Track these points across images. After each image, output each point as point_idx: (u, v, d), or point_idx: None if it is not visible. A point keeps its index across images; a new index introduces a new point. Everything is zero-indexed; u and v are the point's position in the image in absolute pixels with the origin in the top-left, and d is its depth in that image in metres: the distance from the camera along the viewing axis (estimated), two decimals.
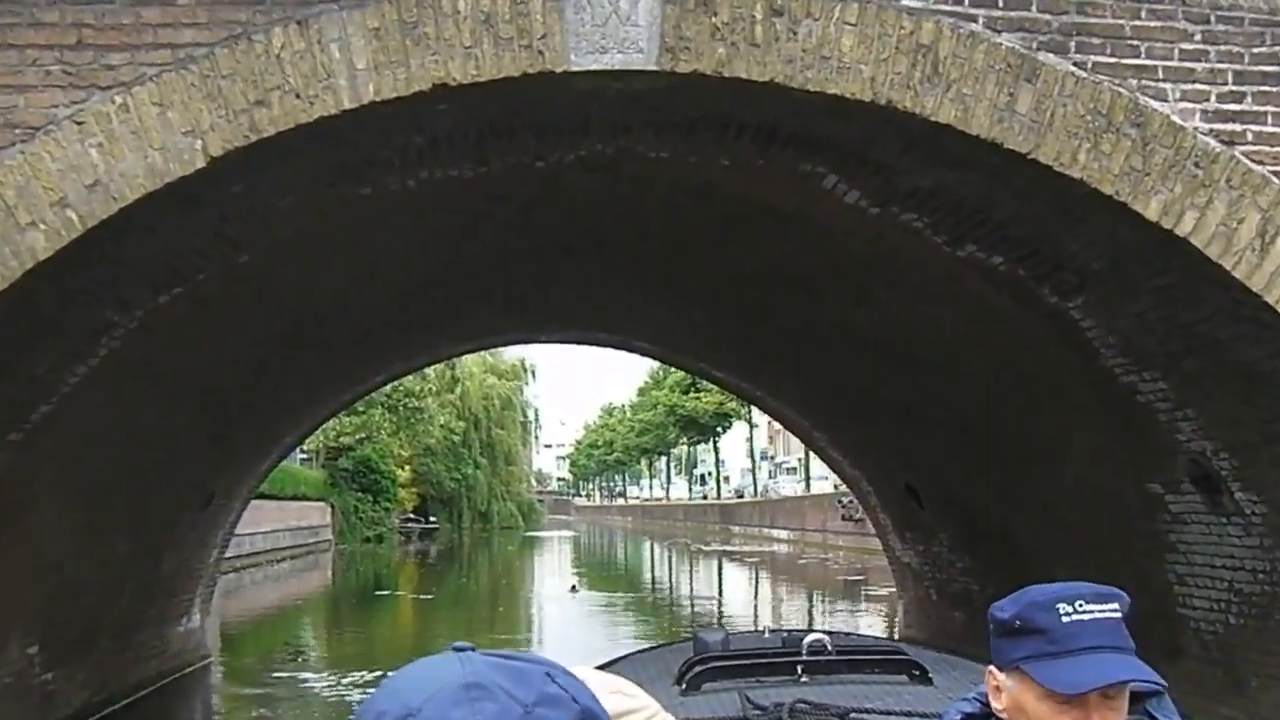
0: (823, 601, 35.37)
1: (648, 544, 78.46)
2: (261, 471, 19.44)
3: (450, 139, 8.50)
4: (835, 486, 75.04)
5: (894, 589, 34.95)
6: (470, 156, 8.98)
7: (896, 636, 18.66)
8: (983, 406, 12.83)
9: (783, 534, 70.09)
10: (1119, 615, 2.28)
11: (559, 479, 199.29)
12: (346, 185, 8.88)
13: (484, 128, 8.46)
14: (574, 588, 35.48)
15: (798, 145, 8.62)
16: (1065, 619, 2.23)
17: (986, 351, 11.49)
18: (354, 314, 14.03)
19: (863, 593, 35.46)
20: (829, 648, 6.18)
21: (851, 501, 58.10)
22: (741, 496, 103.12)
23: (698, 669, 6.08)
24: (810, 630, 6.85)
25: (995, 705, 2.37)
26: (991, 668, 2.37)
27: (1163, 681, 2.35)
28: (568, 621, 29.21)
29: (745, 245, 11.56)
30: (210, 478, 16.59)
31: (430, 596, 38.28)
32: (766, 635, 7.44)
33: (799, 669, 5.98)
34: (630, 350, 19.70)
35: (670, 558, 62.74)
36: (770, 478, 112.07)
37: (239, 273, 9.91)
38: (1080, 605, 2.25)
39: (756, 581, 46.09)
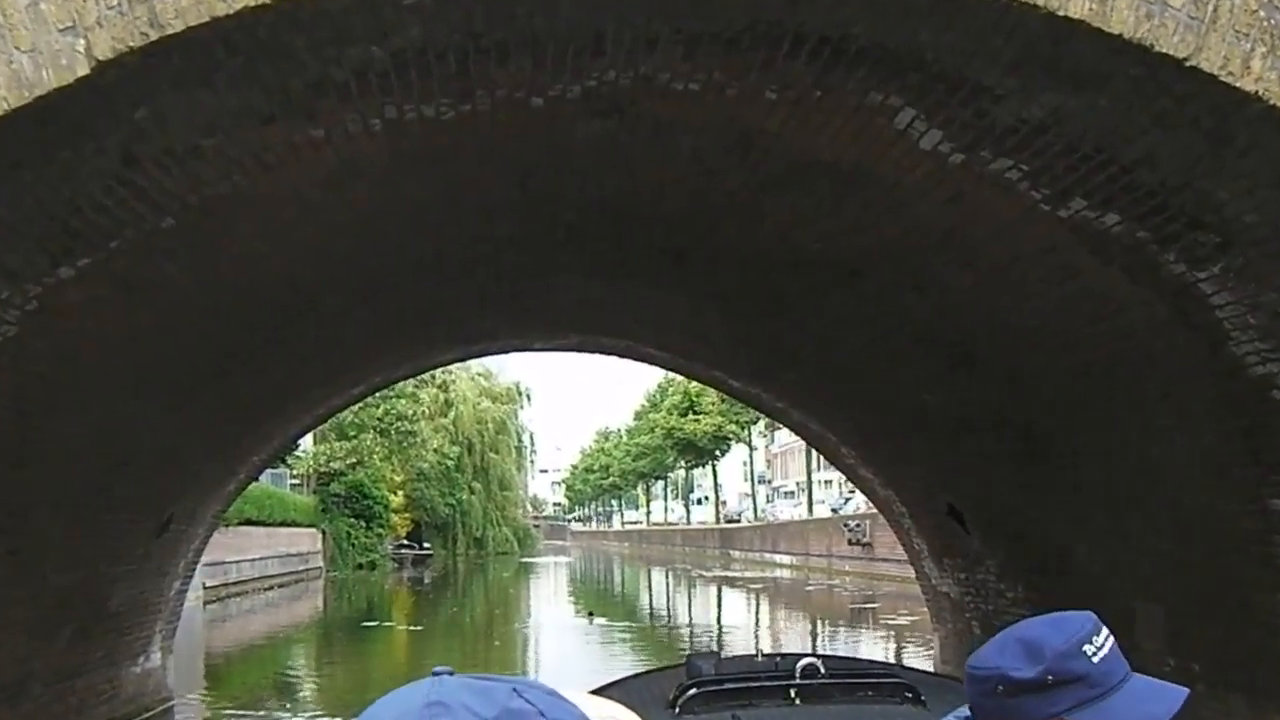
0: (837, 631, 33.69)
1: (646, 570, 77.68)
2: (228, 493, 17.48)
3: (423, 57, 6.58)
4: (834, 511, 74.29)
5: (911, 617, 33.57)
6: (450, 87, 7.05)
7: (932, 671, 16.85)
8: (1058, 414, 10.89)
9: (785, 559, 69.32)
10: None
11: (555, 504, 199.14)
12: (290, 122, 6.94)
13: (466, 42, 6.53)
14: (591, 614, 36.39)
15: (869, 65, 6.70)
16: (1096, 659, 2.12)
17: (1074, 346, 9.53)
18: (320, 311, 12.09)
19: (882, 621, 33.71)
20: (822, 671, 6.17)
21: (859, 525, 56.68)
22: (735, 521, 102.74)
23: (691, 692, 6.08)
24: (803, 654, 6.63)
25: None
26: None
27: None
28: (565, 655, 27.72)
29: (784, 219, 9.63)
30: (165, 500, 14.67)
31: (420, 628, 36.45)
32: (759, 659, 7.25)
33: (792, 692, 6.01)
34: (637, 358, 17.72)
35: (669, 585, 61.39)
36: (768, 501, 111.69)
37: (165, 244, 7.99)
38: (1097, 640, 2.14)
39: (758, 609, 44.54)
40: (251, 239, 8.77)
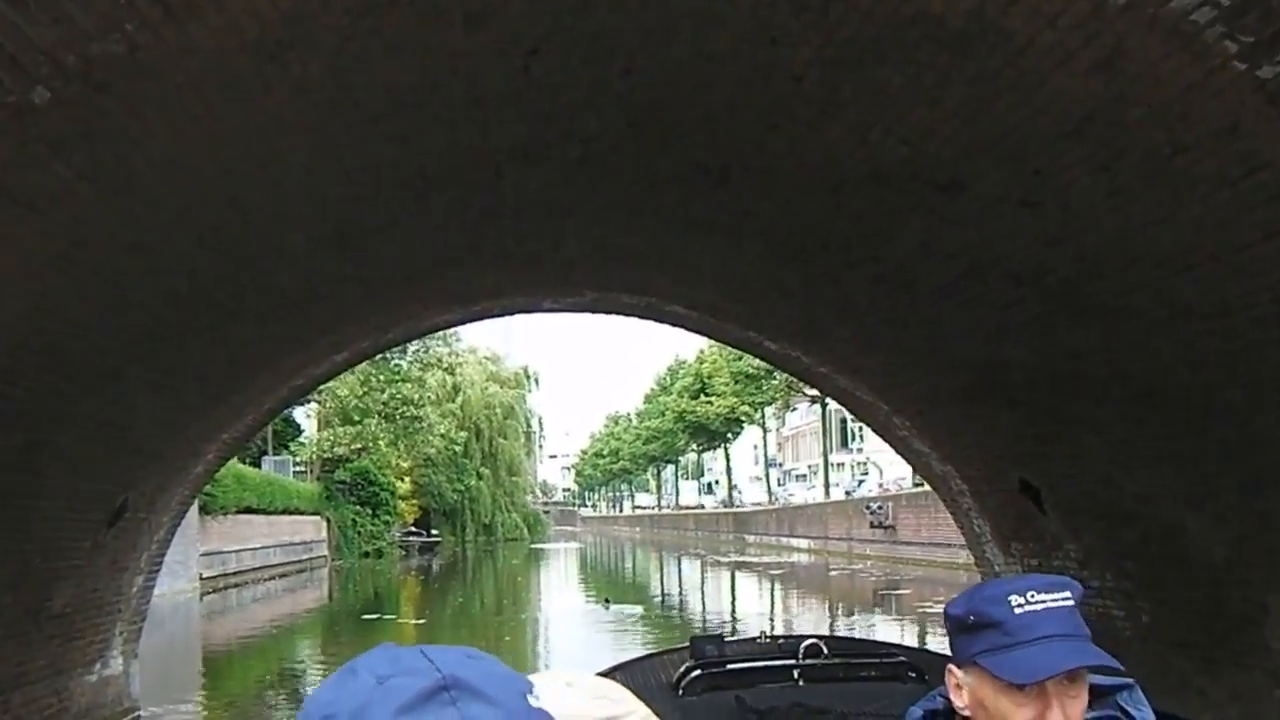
0: (864, 621, 31.84)
1: (658, 556, 76.55)
2: (197, 476, 15.39)
3: None
4: (848, 494, 72.57)
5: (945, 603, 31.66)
6: None
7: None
8: (1195, 364, 8.76)
9: (803, 543, 68.00)
10: (1072, 603, 2.24)
11: (564, 489, 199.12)
12: None
13: None
14: (608, 601, 36.20)
15: None
16: (1018, 610, 2.19)
17: (1237, 272, 7.36)
18: (281, 255, 10.00)
19: (915, 609, 31.81)
20: (825, 651, 6.24)
21: (881, 508, 54.66)
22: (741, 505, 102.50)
23: (695, 674, 6.14)
24: (806, 635, 6.58)
25: (957, 703, 2.33)
26: (950, 666, 2.33)
27: (1121, 667, 2.26)
28: (576, 643, 26.88)
29: (863, 113, 7.49)
30: (115, 484, 12.63)
31: (425, 621, 34.69)
32: (763, 640, 7.19)
33: (795, 673, 6.09)
34: (659, 318, 15.58)
35: (683, 572, 59.80)
36: (779, 485, 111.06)
37: (46, 132, 5.90)
38: (1032, 595, 2.20)
39: (775, 596, 42.74)
40: (170, 137, 6.66)
